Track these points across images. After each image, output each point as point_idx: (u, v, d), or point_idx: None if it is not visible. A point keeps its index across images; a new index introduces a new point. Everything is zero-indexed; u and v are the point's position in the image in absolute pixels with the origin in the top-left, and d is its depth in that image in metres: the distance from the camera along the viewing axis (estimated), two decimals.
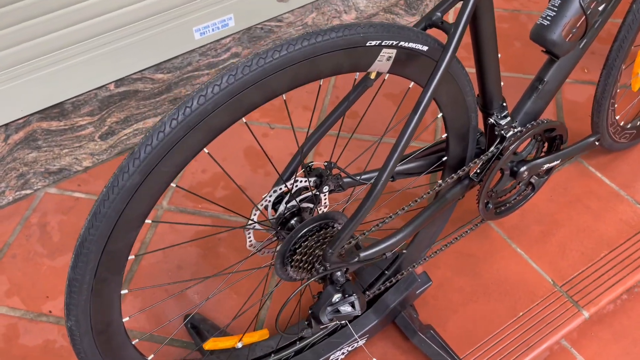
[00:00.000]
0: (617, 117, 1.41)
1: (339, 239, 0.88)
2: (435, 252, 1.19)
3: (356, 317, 1.20)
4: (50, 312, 1.36)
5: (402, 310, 1.25)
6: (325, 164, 1.02)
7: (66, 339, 1.29)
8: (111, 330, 0.81)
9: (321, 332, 1.21)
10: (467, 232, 1.21)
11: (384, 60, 0.81)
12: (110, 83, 1.87)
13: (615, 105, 1.37)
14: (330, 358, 1.19)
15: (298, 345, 1.19)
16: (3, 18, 1.57)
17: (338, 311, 0.95)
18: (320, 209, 1.02)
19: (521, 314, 1.32)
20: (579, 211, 1.49)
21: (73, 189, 1.61)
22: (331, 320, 0.95)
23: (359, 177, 1.07)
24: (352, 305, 0.95)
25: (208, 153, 0.75)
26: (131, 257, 0.77)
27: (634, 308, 1.39)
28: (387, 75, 0.86)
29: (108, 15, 1.76)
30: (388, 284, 1.13)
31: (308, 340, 1.19)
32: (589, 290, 1.35)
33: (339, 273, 0.93)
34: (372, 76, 0.84)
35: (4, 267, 1.44)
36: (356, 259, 0.95)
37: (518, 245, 1.43)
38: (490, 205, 1.18)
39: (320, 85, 0.79)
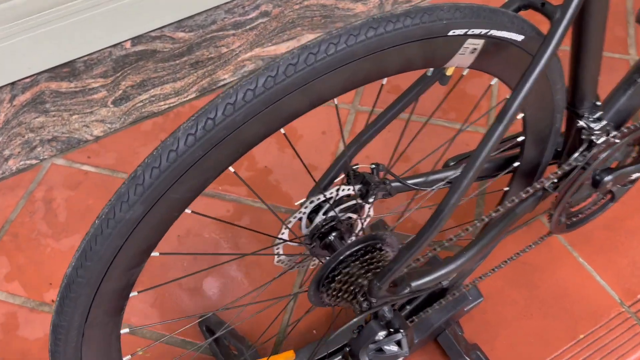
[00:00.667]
0: None
1: (390, 271, 0.71)
2: (493, 269, 1.01)
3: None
4: (53, 301, 1.23)
5: (446, 328, 1.09)
6: (373, 166, 0.84)
7: None
8: None
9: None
10: (531, 246, 1.03)
11: (467, 52, 0.62)
12: (127, 40, 1.68)
13: None
14: None
15: None
16: None
17: (381, 350, 0.79)
18: (363, 221, 0.85)
19: (582, 336, 1.15)
20: None
21: (82, 161, 1.45)
22: None
23: (410, 182, 0.89)
24: (399, 344, 0.79)
25: (234, 172, 0.58)
26: (133, 293, 0.61)
27: None
28: (466, 71, 0.67)
29: None
30: (436, 307, 0.97)
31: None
32: None
33: (386, 309, 0.77)
34: (449, 73, 0.65)
35: (5, 247, 1.31)
36: (407, 290, 0.78)
37: (581, 255, 1.25)
38: (563, 219, 0.99)
39: (382, 85, 0.60)
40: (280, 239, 0.75)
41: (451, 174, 0.90)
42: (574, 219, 1.04)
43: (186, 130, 0.50)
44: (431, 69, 0.66)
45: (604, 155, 0.87)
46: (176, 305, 1.20)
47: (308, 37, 1.67)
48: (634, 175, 0.97)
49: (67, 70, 1.63)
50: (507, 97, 0.64)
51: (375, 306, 0.74)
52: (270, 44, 1.66)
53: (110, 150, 1.47)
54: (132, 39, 1.69)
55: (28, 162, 1.46)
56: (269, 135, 0.55)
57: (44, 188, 1.41)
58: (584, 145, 0.88)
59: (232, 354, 1.10)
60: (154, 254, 0.58)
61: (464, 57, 0.62)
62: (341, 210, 0.83)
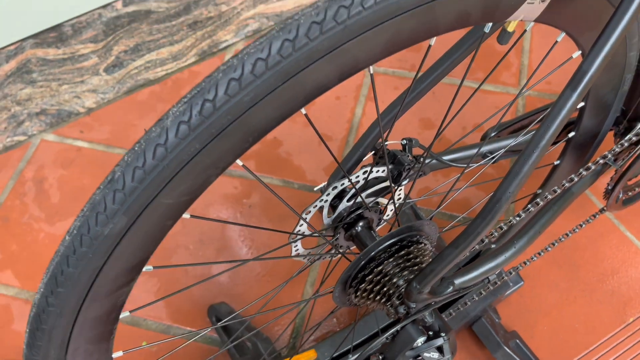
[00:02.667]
0: None
1: (432, 271, 0.59)
2: (539, 253, 0.89)
3: None
4: None
5: (482, 315, 0.98)
6: (404, 142, 0.71)
7: None
8: None
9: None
10: (581, 225, 0.91)
11: (538, 1, 0.48)
12: (117, 0, 1.53)
13: None
14: None
15: None
16: None
17: (419, 356, 0.67)
18: (392, 209, 0.72)
19: (632, 320, 1.04)
20: None
21: (74, 136, 1.33)
22: None
23: (445, 158, 0.76)
24: (440, 350, 0.67)
25: (243, 165, 0.45)
26: (125, 313, 0.49)
27: None
28: (531, 24, 0.53)
29: None
30: (476, 298, 0.85)
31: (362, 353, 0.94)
32: None
33: (427, 314, 0.65)
34: (510, 28, 0.52)
35: None
36: (450, 289, 0.66)
37: (629, 229, 1.13)
38: (621, 195, 0.86)
39: (430, 46, 0.47)
40: (297, 234, 0.63)
41: (496, 146, 0.77)
42: (630, 194, 0.91)
43: (177, 117, 0.37)
44: (489, 24, 0.53)
45: None
46: (182, 294, 1.10)
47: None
48: None
49: (55, 35, 1.49)
50: (575, 56, 0.50)
51: (415, 312, 0.63)
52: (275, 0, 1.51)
53: (104, 123, 1.34)
54: None
55: (16, 138, 1.33)
56: (286, 119, 0.42)
57: (34, 167, 1.29)
58: None
59: (245, 346, 1.01)
60: (146, 268, 0.46)
61: (532, 7, 0.48)
62: (368, 195, 0.70)
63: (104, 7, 1.53)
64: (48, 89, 1.40)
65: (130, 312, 0.50)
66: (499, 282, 0.85)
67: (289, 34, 0.37)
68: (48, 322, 0.43)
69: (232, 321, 0.97)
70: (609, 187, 0.82)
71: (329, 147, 0.66)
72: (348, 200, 0.68)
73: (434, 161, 0.75)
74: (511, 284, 0.94)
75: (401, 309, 0.63)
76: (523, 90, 1.17)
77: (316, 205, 0.66)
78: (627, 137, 0.74)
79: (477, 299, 0.85)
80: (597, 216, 0.92)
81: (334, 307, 0.76)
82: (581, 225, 0.91)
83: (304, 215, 0.62)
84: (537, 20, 0.51)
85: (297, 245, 0.69)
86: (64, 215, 1.22)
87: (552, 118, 0.52)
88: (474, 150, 0.79)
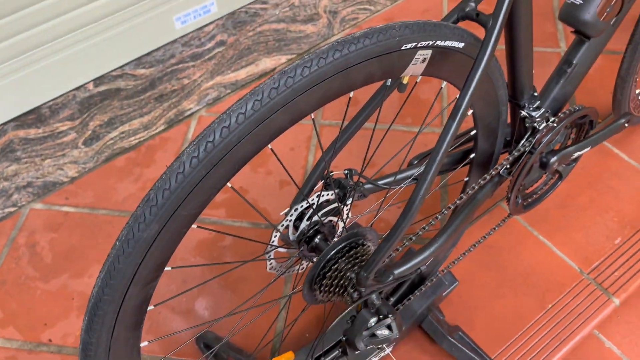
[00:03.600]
0: (637, 91, 1.34)
1: (374, 261, 0.80)
2: (464, 253, 1.11)
3: None
4: (50, 340, 1.27)
5: (428, 314, 1.18)
6: (346, 172, 0.93)
7: None
8: None
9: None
10: (494, 229, 1.14)
11: (419, 62, 0.71)
12: (89, 82, 1.74)
13: (637, 80, 1.29)
14: None
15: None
16: None
17: (374, 335, 0.87)
18: (344, 222, 0.93)
19: (550, 306, 1.26)
20: (600, 191, 1.43)
21: (61, 203, 1.49)
22: (366, 345, 0.87)
23: (380, 182, 0.98)
24: (389, 328, 0.87)
25: (232, 187, 0.65)
26: (150, 307, 0.67)
27: None
28: (420, 78, 0.76)
29: (81, 9, 1.63)
30: (417, 293, 1.06)
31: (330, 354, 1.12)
32: (617, 275, 1.30)
33: (374, 297, 0.85)
34: (405, 81, 0.75)
35: None
36: (391, 278, 0.86)
37: (541, 233, 1.37)
38: (520, 200, 1.10)
39: (350, 98, 0.69)
40: (273, 245, 0.83)
41: (416, 170, 0.99)
42: (529, 200, 1.15)
43: (190, 154, 0.57)
44: (390, 79, 0.75)
45: (546, 138, 0.98)
46: (170, 328, 1.25)
47: (266, 61, 1.76)
48: (575, 154, 1.09)
49: (33, 117, 1.67)
50: (457, 97, 0.74)
51: (365, 294, 0.82)
52: (230, 71, 1.74)
53: (87, 189, 1.51)
54: (94, 80, 1.74)
55: (7, 210, 1.49)
56: (259, 151, 0.63)
57: (26, 233, 1.44)
58: (529, 132, 0.99)
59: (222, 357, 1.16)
60: (167, 268, 0.65)
61: (416, 66, 0.72)
62: (322, 215, 0.91)
63: (77, 88, 1.73)
64: (32, 164, 1.57)
65: (155, 305, 0.68)
66: (434, 279, 1.06)
67: (258, 96, 0.58)
68: (103, 309, 0.61)
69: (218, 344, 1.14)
70: (508, 195, 1.06)
71: (289, 190, 0.87)
72: (307, 219, 0.89)
73: (370, 185, 0.97)
74: (447, 283, 1.15)
75: (355, 295, 0.83)
76: (422, 128, 1.45)
77: (283, 224, 0.86)
78: (512, 154, 0.98)
79: (419, 294, 1.05)
80: (506, 220, 1.16)
81: (308, 307, 0.94)
82: (494, 229, 1.14)
83: (278, 227, 0.82)
84: (423, 75, 0.75)
85: (271, 261, 0.88)
86: (58, 273, 1.37)
87: (443, 138, 0.75)
88: (403, 175, 1.01)
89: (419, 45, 0.68)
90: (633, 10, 1.22)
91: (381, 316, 0.87)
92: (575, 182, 1.45)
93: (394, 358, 1.19)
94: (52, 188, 1.52)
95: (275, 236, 0.83)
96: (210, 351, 1.15)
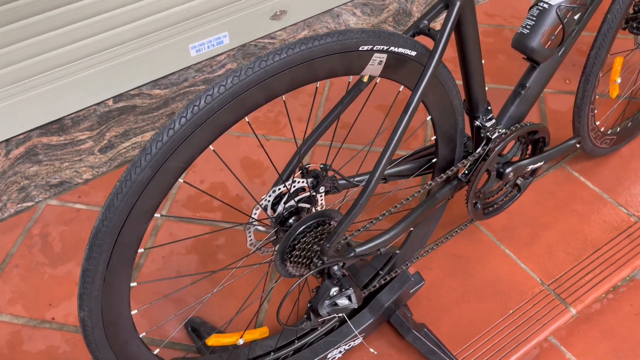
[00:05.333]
0: (597, 123, 1.48)
1: (335, 233, 0.93)
2: (427, 250, 1.23)
3: (353, 314, 1.25)
4: (53, 318, 1.39)
5: (396, 309, 1.29)
6: (321, 166, 1.07)
7: (69, 344, 1.33)
8: (121, 322, 0.85)
9: (319, 332, 1.25)
10: (457, 231, 1.26)
11: (376, 64, 0.87)
12: (109, 99, 1.92)
13: (595, 111, 1.44)
14: (328, 356, 1.23)
15: (296, 345, 1.23)
16: (3, 37, 1.63)
17: (336, 304, 0.99)
18: (317, 209, 1.07)
19: (511, 311, 1.37)
20: (565, 214, 1.55)
21: (74, 201, 1.65)
22: (329, 313, 0.99)
23: (352, 179, 1.12)
24: (349, 298, 0.99)
25: (213, 150, 0.80)
26: (140, 249, 0.81)
27: (621, 307, 1.44)
28: (379, 79, 0.92)
29: (106, 33, 1.82)
30: (383, 282, 1.18)
31: (306, 340, 1.23)
32: (576, 288, 1.41)
33: (335, 267, 0.98)
34: (365, 79, 0.90)
35: (7, 277, 1.47)
36: (352, 254, 1.00)
37: (507, 247, 1.49)
38: (479, 206, 1.23)
39: (317, 88, 0.85)
40: (253, 218, 0.97)
41: (388, 171, 1.13)
42: (490, 208, 1.28)
43: (179, 115, 0.73)
44: (351, 78, 0.91)
45: (498, 147, 1.13)
46: (162, 315, 1.37)
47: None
48: (530, 167, 1.23)
49: (57, 126, 1.85)
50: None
51: (327, 263, 0.95)
52: None
53: (99, 190, 1.67)
54: (114, 97, 1.93)
55: (25, 204, 1.64)
56: (237, 121, 0.78)
57: (40, 225, 1.59)
58: (483, 141, 1.13)
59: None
60: (157, 215, 0.79)
61: (374, 68, 0.88)
62: (298, 201, 1.05)
63: (98, 104, 1.91)
64: (52, 166, 1.74)
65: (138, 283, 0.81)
66: (398, 271, 1.19)
67: (236, 73, 0.74)
68: (101, 239, 0.74)
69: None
70: (466, 199, 1.19)
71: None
72: (284, 203, 1.03)
73: (344, 182, 1.11)
74: (413, 279, 1.26)
75: (319, 263, 0.95)
76: (382, 129, 1.59)
77: (264, 201, 1.00)
78: (467, 159, 1.12)
79: (384, 283, 1.17)
80: (468, 225, 1.28)
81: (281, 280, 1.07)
82: (456, 231, 1.27)
83: (261, 203, 0.96)
84: (381, 76, 0.90)
85: (250, 233, 1.02)
86: (66, 260, 1.51)
87: (395, 131, 0.89)
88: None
89: (374, 48, 0.84)
90: (585, 46, 1.38)
91: (344, 289, 0.99)
92: (543, 205, 1.57)
93: (366, 345, 1.30)
94: (67, 187, 1.68)
95: (256, 212, 0.97)
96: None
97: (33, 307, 1.41)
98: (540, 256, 1.47)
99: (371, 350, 1.26)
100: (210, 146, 0.78)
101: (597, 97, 1.39)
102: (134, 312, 0.87)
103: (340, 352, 1.26)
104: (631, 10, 1.44)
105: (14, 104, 1.77)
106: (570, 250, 1.48)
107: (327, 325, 1.23)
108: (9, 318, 1.39)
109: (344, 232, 0.93)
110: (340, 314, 1.01)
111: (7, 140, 1.80)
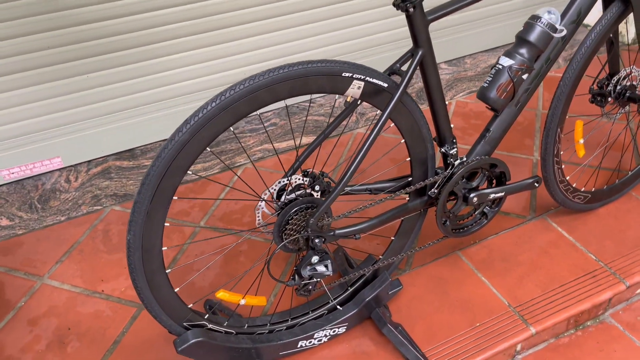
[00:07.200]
0: (567, 177, 1.75)
1: (317, 211, 1.25)
2: (403, 254, 1.51)
3: (341, 305, 1.52)
4: (102, 291, 1.73)
5: (377, 307, 1.55)
6: (320, 173, 1.40)
7: (112, 310, 1.66)
8: (154, 253, 1.18)
9: (310, 316, 1.52)
10: (430, 244, 1.54)
11: (355, 88, 1.22)
12: None
13: (563, 166, 1.71)
14: (315, 336, 1.49)
15: (289, 322, 1.50)
16: (100, 79, 2.11)
17: (315, 269, 1.29)
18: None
19: (478, 324, 1.59)
20: (538, 255, 1.79)
21: None
22: (309, 277, 1.28)
23: (350, 188, 1.44)
24: (326, 267, 1.29)
25: (233, 132, 1.16)
26: (175, 198, 1.15)
27: (587, 343, 1.64)
28: (360, 102, 1.27)
29: (177, 84, 2.29)
30: (366, 281, 1.46)
31: (298, 320, 1.50)
32: (538, 312, 1.62)
33: (317, 241, 1.28)
34: (348, 99, 1.25)
35: (73, 258, 1.84)
36: (332, 234, 1.30)
37: (483, 275, 1.73)
38: (448, 224, 1.51)
39: (310, 102, 1.20)
40: (263, 199, 1.30)
41: (376, 186, 1.45)
42: (460, 230, 1.56)
43: (211, 100, 1.09)
44: (337, 95, 1.25)
45: (460, 172, 1.43)
46: (189, 280, 1.69)
47: (304, 139, 2.32)
48: (492, 196, 1.51)
49: (129, 154, 2.29)
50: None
51: (311, 233, 1.26)
52: (275, 142, 2.31)
53: None
54: None
55: (95, 208, 2.04)
56: (251, 113, 1.13)
57: (104, 224, 1.97)
58: (450, 167, 1.44)
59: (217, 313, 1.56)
60: (189, 172, 1.14)
61: (354, 91, 1.23)
62: (297, 195, 1.37)
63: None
64: (120, 183, 2.15)
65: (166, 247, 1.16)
66: (378, 274, 1.47)
67: (253, 78, 1.11)
68: (149, 180, 1.09)
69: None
70: (435, 216, 1.48)
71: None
72: (287, 194, 1.36)
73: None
74: (390, 282, 1.52)
75: (304, 234, 1.26)
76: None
77: (271, 189, 1.33)
78: (434, 178, 1.43)
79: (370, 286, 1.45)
80: (440, 241, 1.56)
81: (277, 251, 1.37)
82: (431, 243, 1.54)
83: (269, 189, 1.29)
84: (360, 99, 1.25)
85: (259, 214, 1.34)
86: (120, 250, 1.87)
87: (364, 143, 1.23)
88: (363, 187, 1.47)
89: (354, 76, 1.20)
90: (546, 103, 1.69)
91: (323, 259, 1.29)
92: (521, 246, 1.82)
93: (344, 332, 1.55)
94: (130, 198, 2.08)
95: (266, 194, 1.30)
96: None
97: (88, 281, 1.76)
98: (511, 285, 1.70)
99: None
100: (231, 127, 1.14)
101: (562, 152, 1.68)
102: (164, 248, 1.20)
103: (325, 335, 1.52)
104: (595, 87, 1.75)
105: (98, 133, 2.23)
106: (538, 283, 1.70)
107: (317, 313, 1.50)
108: (69, 287, 1.75)
109: (323, 212, 1.25)
110: (318, 279, 1.30)
111: (89, 161, 2.25)
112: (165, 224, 1.18)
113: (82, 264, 1.82)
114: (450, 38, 2.70)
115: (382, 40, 2.54)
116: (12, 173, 2.14)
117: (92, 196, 2.09)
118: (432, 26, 2.62)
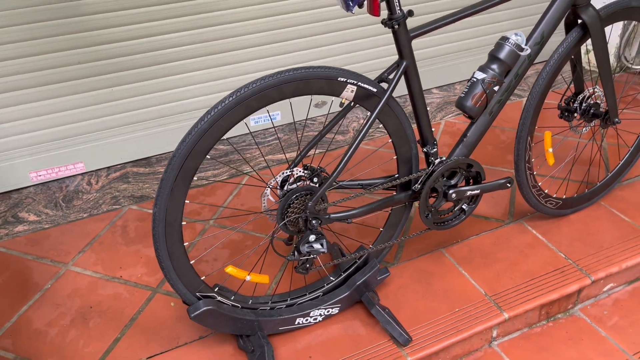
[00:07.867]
0: (539, 183, 1.96)
1: (315, 196, 1.46)
2: (389, 243, 1.71)
3: (334, 288, 1.71)
4: (120, 276, 1.92)
5: (367, 291, 1.74)
6: (318, 167, 1.62)
7: (129, 293, 1.85)
8: (175, 226, 1.38)
9: (306, 297, 1.71)
10: (415, 234, 1.74)
11: (349, 92, 1.45)
12: None
13: (535, 172, 1.93)
14: (311, 314, 1.68)
15: (289, 301, 1.69)
16: (122, 93, 2.35)
17: (312, 247, 1.49)
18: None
19: (457, 310, 1.78)
20: (514, 253, 1.98)
21: (149, 208, 2.24)
22: (308, 253, 1.48)
23: (345, 182, 1.65)
24: (322, 244, 1.49)
25: (245, 124, 1.38)
26: (195, 178, 1.36)
27: (558, 333, 1.82)
28: (353, 104, 1.50)
29: (187, 100, 2.53)
30: (357, 267, 1.65)
31: (296, 300, 1.69)
32: (511, 300, 1.80)
33: (314, 222, 1.49)
34: (343, 101, 1.48)
35: (94, 249, 2.04)
36: (327, 217, 1.51)
37: (464, 269, 1.92)
38: (430, 217, 1.72)
39: (311, 101, 1.43)
40: (269, 186, 1.51)
41: (364, 181, 1.67)
42: (440, 223, 1.76)
43: (229, 96, 1.32)
44: (334, 97, 1.48)
45: (439, 170, 1.64)
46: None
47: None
48: (468, 193, 1.72)
49: (145, 162, 2.51)
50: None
51: (309, 215, 1.47)
52: (278, 154, 2.54)
53: None
54: None
55: (114, 207, 2.25)
56: (261, 108, 1.35)
57: (122, 220, 2.18)
58: (431, 165, 1.66)
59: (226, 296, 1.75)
60: (208, 156, 1.35)
61: (348, 94, 1.45)
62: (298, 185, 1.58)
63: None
64: (137, 186, 2.36)
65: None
66: (369, 261, 1.67)
67: (269, 76, 1.33)
68: (175, 161, 1.31)
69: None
70: (418, 209, 1.68)
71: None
72: (290, 184, 1.56)
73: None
74: (378, 268, 1.72)
75: (304, 216, 1.47)
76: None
77: (275, 179, 1.54)
78: (415, 174, 1.64)
79: (361, 272, 1.65)
80: (424, 232, 1.76)
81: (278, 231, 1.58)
82: (415, 234, 1.74)
83: (276, 178, 1.51)
84: (353, 101, 1.48)
85: (264, 201, 1.55)
86: (136, 243, 2.07)
87: (354, 138, 1.45)
88: (356, 182, 1.68)
89: (348, 81, 1.42)
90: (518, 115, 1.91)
91: (319, 239, 1.50)
92: (499, 246, 2.01)
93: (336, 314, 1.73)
94: (146, 199, 2.29)
95: (271, 182, 1.51)
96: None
97: (108, 268, 1.96)
98: (489, 278, 1.89)
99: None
100: (244, 120, 1.36)
101: (533, 159, 1.89)
102: (183, 223, 1.41)
103: (320, 314, 1.70)
104: (562, 103, 1.98)
105: (118, 142, 2.46)
106: (513, 277, 1.89)
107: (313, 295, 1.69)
108: (91, 273, 1.94)
109: (319, 197, 1.46)
110: (314, 255, 1.49)
111: (108, 167, 2.47)
112: (187, 201, 1.39)
113: (102, 254, 2.02)
114: (441, 66, 2.96)
115: (374, 55, 2.79)
116: (40, 175, 2.35)
117: (111, 197, 2.30)
118: (425, 54, 2.88)
